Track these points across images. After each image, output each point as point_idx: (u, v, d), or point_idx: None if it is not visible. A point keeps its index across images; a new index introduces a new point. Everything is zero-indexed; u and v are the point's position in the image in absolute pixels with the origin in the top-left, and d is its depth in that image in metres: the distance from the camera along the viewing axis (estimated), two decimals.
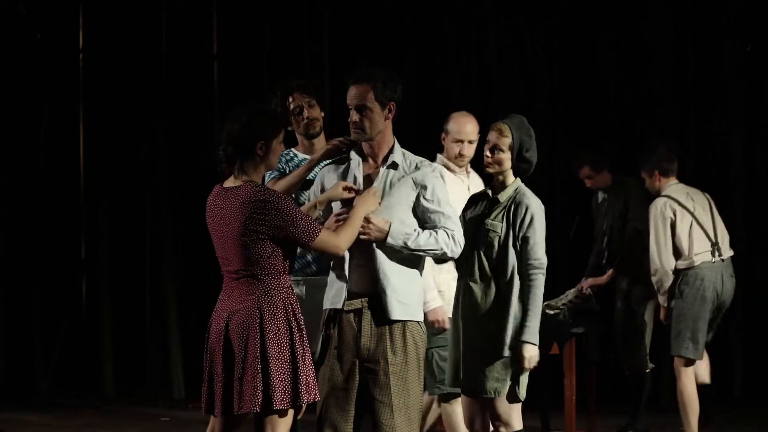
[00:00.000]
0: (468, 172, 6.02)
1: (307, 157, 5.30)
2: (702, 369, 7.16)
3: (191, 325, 9.95)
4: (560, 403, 7.18)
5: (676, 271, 7.00)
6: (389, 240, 4.62)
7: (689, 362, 6.99)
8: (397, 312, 4.65)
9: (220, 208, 4.48)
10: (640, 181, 7.40)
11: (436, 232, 4.71)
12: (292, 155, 5.46)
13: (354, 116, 4.73)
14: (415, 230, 4.68)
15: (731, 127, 9.54)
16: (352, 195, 4.69)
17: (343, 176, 4.81)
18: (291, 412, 4.49)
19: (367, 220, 4.61)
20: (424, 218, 4.74)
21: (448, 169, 5.81)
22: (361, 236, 4.60)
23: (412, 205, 4.73)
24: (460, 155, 5.91)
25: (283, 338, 4.41)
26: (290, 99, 5.47)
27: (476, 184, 5.94)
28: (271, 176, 5.31)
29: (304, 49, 10.08)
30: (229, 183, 4.51)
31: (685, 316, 6.94)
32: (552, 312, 7.27)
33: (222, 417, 4.53)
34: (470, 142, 5.92)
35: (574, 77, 9.71)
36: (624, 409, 7.75)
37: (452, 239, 4.73)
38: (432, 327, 5.55)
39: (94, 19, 10.32)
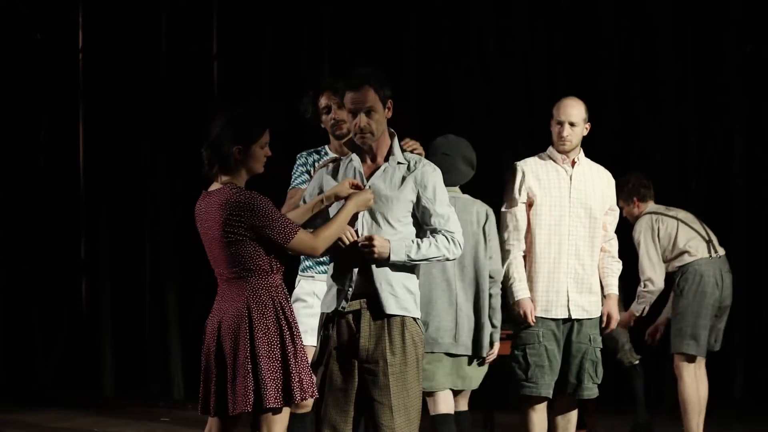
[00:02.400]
0: (575, 163, 5.69)
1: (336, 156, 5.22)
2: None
3: (191, 325, 9.96)
4: None
5: (675, 270, 7.02)
6: (393, 257, 4.61)
7: (690, 360, 6.99)
8: (393, 307, 4.65)
9: (204, 211, 4.52)
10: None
11: (436, 238, 4.70)
12: (324, 153, 5.51)
13: (362, 120, 4.66)
14: (413, 241, 4.68)
15: (732, 128, 9.54)
16: (356, 191, 4.68)
17: (344, 174, 4.80)
18: (287, 410, 4.53)
19: (369, 239, 4.60)
20: (423, 219, 4.74)
21: (551, 158, 5.69)
22: (366, 257, 4.60)
23: (411, 203, 4.72)
24: (560, 138, 5.65)
25: (273, 337, 4.44)
26: (321, 98, 5.48)
27: (584, 175, 5.69)
28: (295, 183, 5.32)
29: (304, 49, 10.08)
30: (213, 187, 4.55)
31: (685, 313, 6.95)
32: None
33: (218, 417, 4.57)
34: (571, 124, 5.63)
35: (575, 78, 9.70)
36: (625, 409, 7.75)
37: (452, 242, 4.73)
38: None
39: (94, 19, 10.33)
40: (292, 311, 4.55)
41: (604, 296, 5.75)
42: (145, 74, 10.22)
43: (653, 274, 6.99)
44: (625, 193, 7.27)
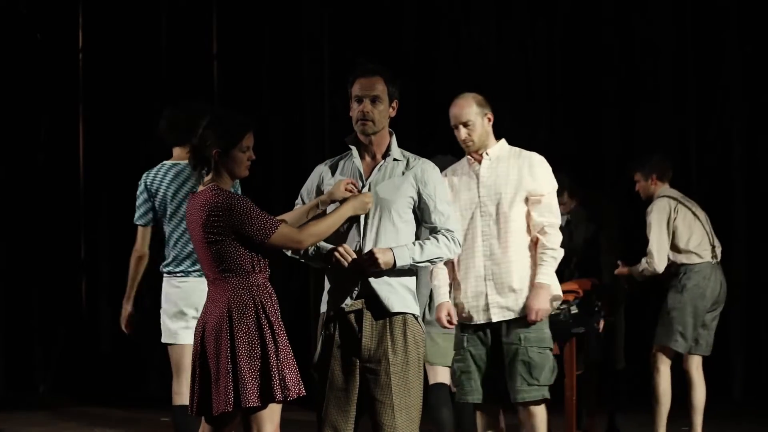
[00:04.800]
0: (482, 158, 5.45)
1: None
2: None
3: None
4: (560, 403, 7.17)
5: (679, 265, 7.04)
6: (399, 263, 4.62)
7: (669, 355, 7.04)
8: (394, 306, 4.65)
9: (190, 213, 4.57)
10: (610, 207, 7.48)
11: (437, 238, 4.71)
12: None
13: (367, 106, 4.67)
14: (415, 243, 4.68)
15: (732, 128, 9.53)
16: (354, 194, 4.68)
17: (343, 172, 4.81)
18: (277, 408, 4.55)
19: (371, 254, 4.59)
20: (423, 216, 4.75)
21: (470, 162, 5.51)
22: (372, 270, 4.59)
23: (411, 199, 4.72)
24: (461, 141, 5.46)
25: (253, 337, 4.47)
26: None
27: (494, 170, 5.44)
28: None
29: (303, 49, 10.07)
30: (200, 189, 4.57)
31: (682, 310, 7.01)
32: (552, 312, 7.27)
33: (205, 418, 4.63)
34: (465, 124, 5.41)
35: (575, 76, 9.70)
36: (623, 410, 7.76)
37: (452, 241, 4.74)
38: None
39: (94, 19, 10.32)
40: (277, 310, 4.57)
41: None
42: (145, 74, 10.22)
43: (658, 257, 7.01)
44: (645, 169, 7.26)
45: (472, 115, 5.42)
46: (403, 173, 4.73)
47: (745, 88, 9.48)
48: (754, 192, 9.51)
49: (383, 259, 4.58)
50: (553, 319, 7.19)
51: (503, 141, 5.54)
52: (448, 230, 4.74)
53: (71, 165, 10.39)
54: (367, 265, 4.58)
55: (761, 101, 9.47)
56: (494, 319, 5.37)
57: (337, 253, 4.61)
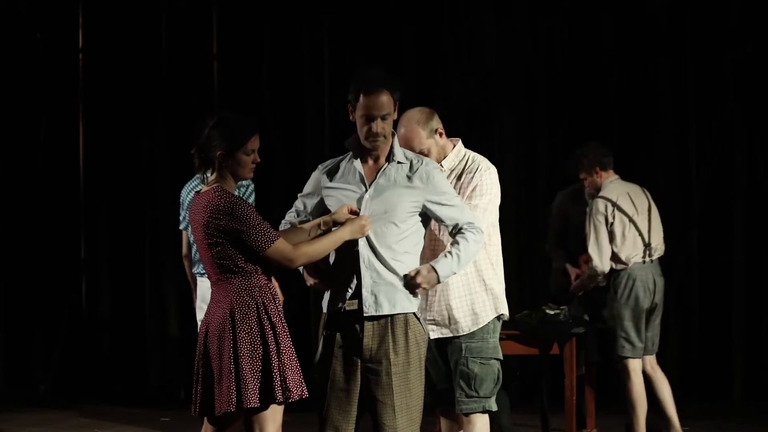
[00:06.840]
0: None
1: None
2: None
3: (191, 324, 9.94)
4: (560, 403, 7.19)
5: (609, 271, 7.10)
6: (442, 279, 4.70)
7: (632, 360, 7.07)
8: (393, 306, 4.66)
9: (194, 213, 4.57)
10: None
11: (465, 237, 4.73)
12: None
13: (378, 125, 4.65)
14: (450, 254, 4.70)
15: (733, 128, 9.52)
16: (353, 217, 4.68)
17: (344, 175, 4.80)
18: (279, 409, 4.56)
19: (414, 276, 4.61)
20: (438, 218, 4.76)
21: None
22: (420, 291, 4.65)
23: (417, 202, 4.71)
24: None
25: (255, 338, 4.48)
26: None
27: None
28: None
29: (304, 50, 10.07)
30: (204, 189, 4.58)
31: (619, 316, 7.09)
32: (552, 312, 7.29)
33: (208, 418, 4.64)
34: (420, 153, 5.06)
35: (575, 77, 9.69)
36: (624, 409, 7.75)
37: (476, 232, 4.76)
38: None
39: (94, 19, 10.32)
40: (280, 311, 4.58)
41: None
42: (145, 74, 10.21)
43: (599, 259, 7.07)
44: (585, 166, 7.30)
45: (424, 143, 5.13)
46: (408, 177, 4.73)
47: (745, 88, 9.47)
48: (754, 193, 9.50)
49: (427, 279, 4.64)
50: (553, 319, 7.23)
51: (458, 147, 5.24)
52: (468, 223, 4.76)
53: (71, 165, 10.38)
54: (410, 287, 4.63)
55: (761, 101, 9.46)
56: (432, 336, 5.14)
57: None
